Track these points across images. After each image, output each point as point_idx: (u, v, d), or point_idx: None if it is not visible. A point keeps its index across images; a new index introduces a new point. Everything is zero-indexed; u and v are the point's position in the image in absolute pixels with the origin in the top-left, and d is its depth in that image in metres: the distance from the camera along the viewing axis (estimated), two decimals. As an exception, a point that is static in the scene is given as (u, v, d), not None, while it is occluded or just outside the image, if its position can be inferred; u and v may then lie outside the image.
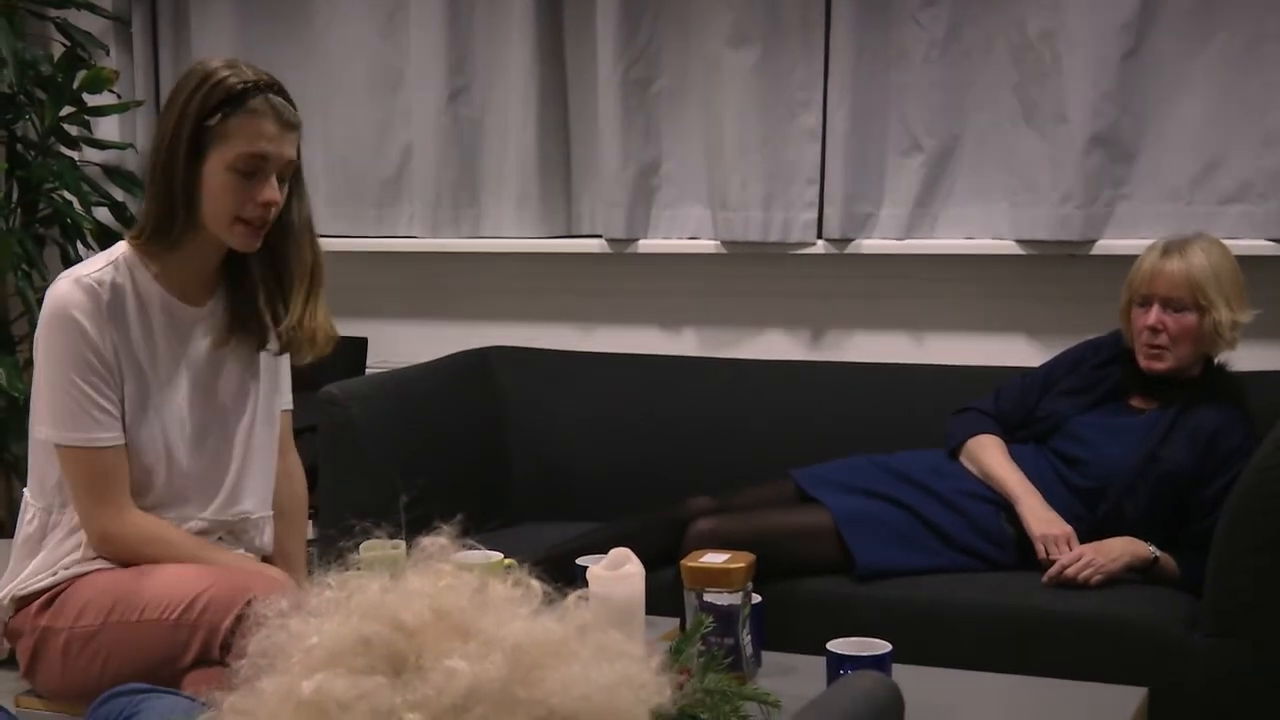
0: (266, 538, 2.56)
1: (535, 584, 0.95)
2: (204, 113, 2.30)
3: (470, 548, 1.06)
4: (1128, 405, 3.19)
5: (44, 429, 2.35)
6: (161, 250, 2.37)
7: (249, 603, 2.15)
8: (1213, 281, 3.06)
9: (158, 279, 2.39)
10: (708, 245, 3.91)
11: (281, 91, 2.36)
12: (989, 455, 3.19)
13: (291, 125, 2.35)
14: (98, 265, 2.36)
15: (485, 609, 0.91)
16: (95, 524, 2.36)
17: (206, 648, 2.22)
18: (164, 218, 2.34)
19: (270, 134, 2.32)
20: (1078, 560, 2.97)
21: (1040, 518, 3.06)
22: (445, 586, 0.92)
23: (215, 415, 2.47)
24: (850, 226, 3.75)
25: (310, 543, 3.96)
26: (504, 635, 0.89)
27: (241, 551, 2.50)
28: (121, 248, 2.39)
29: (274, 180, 2.34)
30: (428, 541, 0.97)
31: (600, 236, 3.99)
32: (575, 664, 0.89)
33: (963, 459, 3.23)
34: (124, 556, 2.37)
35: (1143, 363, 3.13)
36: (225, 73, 2.32)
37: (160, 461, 2.39)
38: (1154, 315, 3.09)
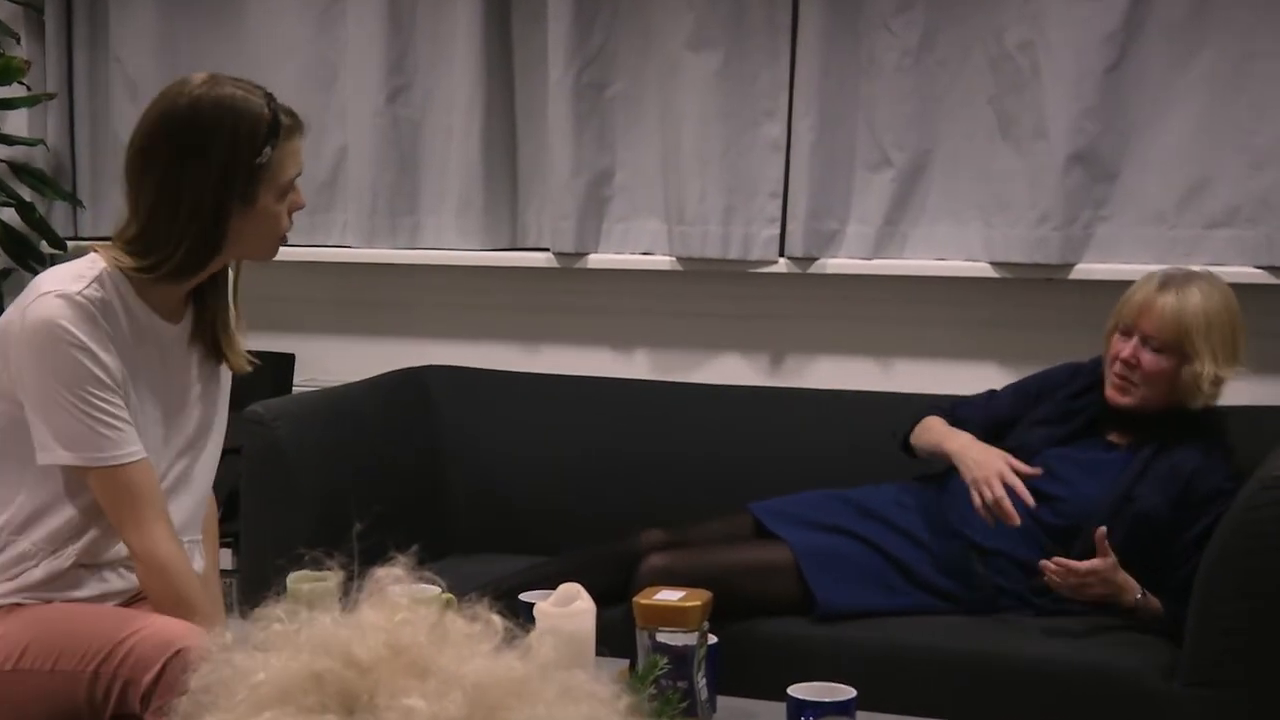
0: (201, 563, 2.55)
1: (496, 619, 0.96)
2: (255, 151, 2.34)
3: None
4: (1104, 440, 3.23)
5: (53, 453, 2.31)
6: (155, 280, 2.37)
7: (177, 653, 2.14)
8: (1203, 329, 3.07)
9: (141, 296, 2.38)
10: (663, 261, 3.92)
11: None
12: (932, 429, 3.25)
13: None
14: (84, 282, 2.32)
15: (444, 645, 0.91)
16: (138, 547, 2.32)
17: (125, 702, 2.20)
18: (199, 257, 2.36)
19: (301, 148, 2.43)
20: (1083, 574, 2.97)
21: (974, 460, 3.10)
22: (401, 621, 0.92)
23: (186, 436, 2.48)
24: (814, 244, 3.78)
25: (228, 573, 3.94)
26: (464, 673, 0.89)
27: None
28: (101, 264, 2.36)
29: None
30: (382, 572, 0.98)
31: (548, 250, 4.00)
32: (539, 705, 0.89)
33: (914, 444, 3.29)
34: (154, 588, 2.33)
35: (1108, 391, 3.16)
36: (256, 102, 2.36)
37: None
38: (1131, 348, 3.12)
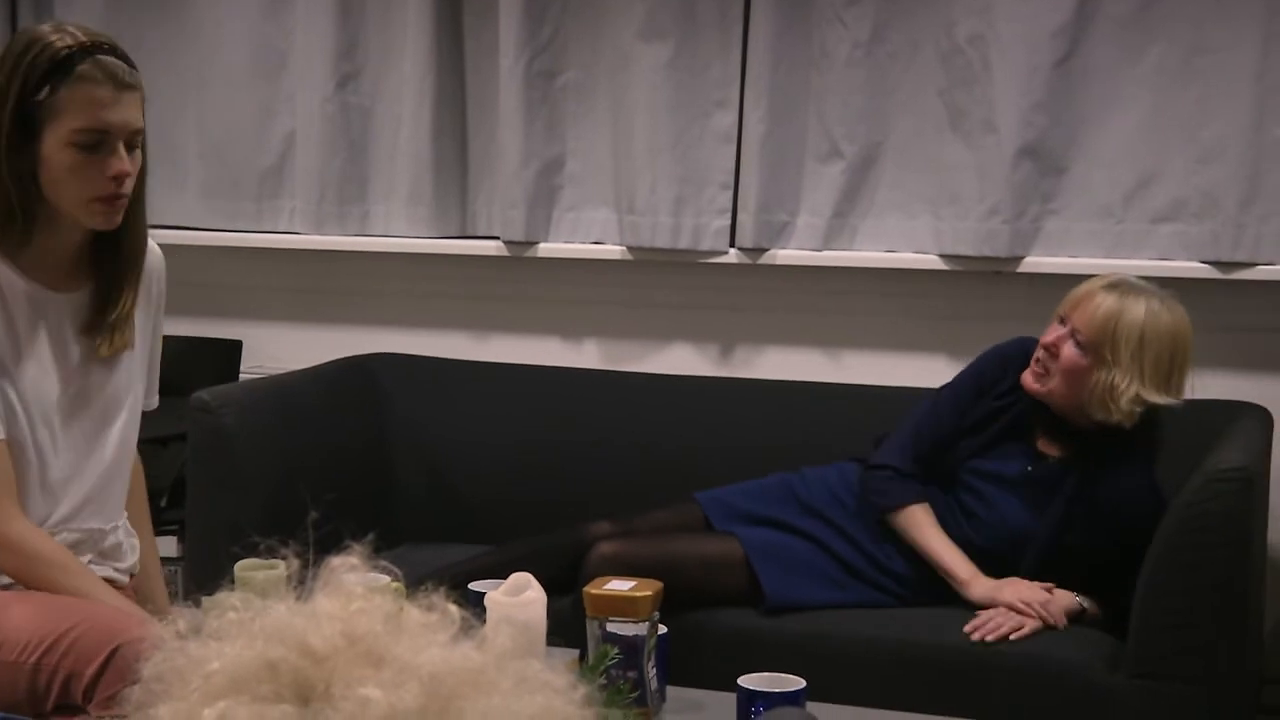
0: (136, 556, 2.51)
1: (453, 609, 0.95)
2: (30, 87, 2.24)
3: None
4: (1032, 448, 3.15)
5: None
6: (15, 244, 2.31)
7: (120, 646, 2.11)
8: (1133, 343, 2.97)
9: (19, 268, 2.33)
10: (613, 251, 3.92)
11: (113, 50, 2.29)
12: (923, 534, 3.11)
13: (129, 86, 2.28)
14: None
15: (400, 635, 0.90)
16: None
17: (68, 693, 2.16)
18: (15, 211, 2.28)
19: (107, 100, 2.26)
20: (1017, 620, 2.96)
21: (1009, 600, 2.99)
22: (357, 610, 0.91)
23: (87, 416, 2.41)
24: (765, 235, 3.78)
25: (173, 561, 3.92)
26: (420, 663, 0.88)
27: (117, 569, 2.45)
28: None
29: (121, 150, 2.28)
30: (337, 561, 0.97)
31: (497, 238, 3.99)
32: (495, 695, 0.89)
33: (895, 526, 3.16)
34: (12, 568, 2.30)
35: (1023, 374, 3.10)
36: (51, 37, 2.26)
37: (28, 465, 2.33)
38: (1056, 335, 3.05)
